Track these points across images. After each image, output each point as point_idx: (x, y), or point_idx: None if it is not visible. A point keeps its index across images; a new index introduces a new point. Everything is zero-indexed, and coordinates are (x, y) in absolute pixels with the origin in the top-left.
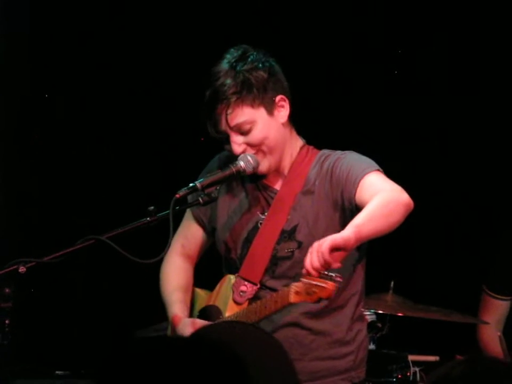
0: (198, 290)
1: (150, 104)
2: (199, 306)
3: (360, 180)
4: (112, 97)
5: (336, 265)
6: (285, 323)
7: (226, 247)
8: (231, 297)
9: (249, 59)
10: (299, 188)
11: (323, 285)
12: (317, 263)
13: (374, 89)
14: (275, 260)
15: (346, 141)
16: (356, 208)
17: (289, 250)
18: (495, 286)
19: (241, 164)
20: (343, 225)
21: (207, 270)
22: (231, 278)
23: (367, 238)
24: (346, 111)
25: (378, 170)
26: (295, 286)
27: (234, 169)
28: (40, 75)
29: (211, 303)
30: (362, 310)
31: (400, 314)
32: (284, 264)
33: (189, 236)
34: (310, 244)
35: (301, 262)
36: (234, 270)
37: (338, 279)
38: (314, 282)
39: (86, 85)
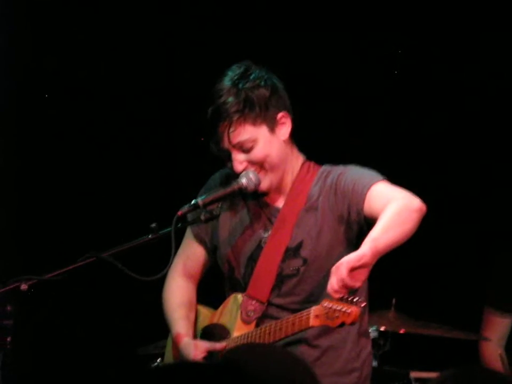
0: (200, 307)
1: (155, 120)
2: (201, 324)
3: (367, 191)
4: (113, 112)
5: (358, 285)
6: (291, 340)
7: (229, 266)
8: (239, 316)
9: (251, 77)
10: (302, 204)
11: (347, 310)
12: (336, 287)
13: (374, 89)
14: (281, 278)
15: (346, 140)
16: (365, 220)
17: (294, 268)
18: (496, 303)
19: (243, 181)
20: (348, 239)
21: (210, 288)
22: (238, 297)
23: (385, 250)
24: (346, 111)
25: (384, 180)
26: (314, 310)
27: (236, 187)
28: (41, 79)
29: (215, 321)
30: (368, 326)
31: (402, 331)
32: (290, 282)
33: (190, 255)
34: (316, 260)
35: (307, 278)
36: (238, 288)
37: (362, 304)
38: (337, 307)
39: (90, 97)
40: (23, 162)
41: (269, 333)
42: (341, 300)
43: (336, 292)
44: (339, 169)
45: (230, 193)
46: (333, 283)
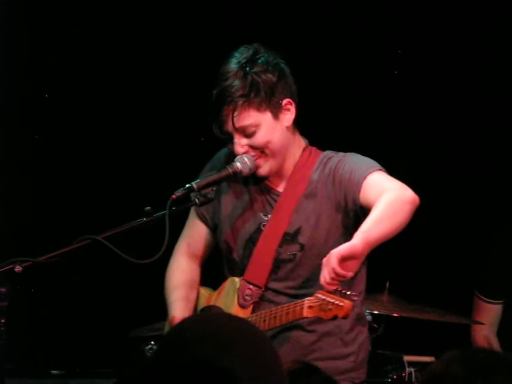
0: (201, 289)
1: (146, 103)
2: (200, 305)
3: (363, 180)
4: (107, 95)
5: (350, 275)
6: (288, 326)
7: (227, 247)
8: (235, 300)
9: (259, 61)
10: (302, 190)
11: (340, 303)
12: (328, 279)
13: (374, 89)
14: (278, 263)
15: (346, 140)
16: (361, 209)
17: (291, 253)
18: (486, 290)
19: (238, 165)
20: (345, 227)
21: (212, 270)
22: (236, 281)
23: (377, 241)
24: (346, 111)
25: (380, 169)
26: (308, 301)
27: (230, 170)
28: (39, 75)
29: (212, 303)
30: (364, 311)
31: (395, 314)
32: (286, 266)
33: (193, 234)
34: (313, 247)
35: (303, 264)
36: (236, 270)
37: (355, 298)
38: (330, 300)
39: (81, 83)
40: (17, 148)
41: (264, 320)
42: (334, 292)
43: (328, 283)
44: (338, 156)
45: (224, 177)
46: (325, 274)
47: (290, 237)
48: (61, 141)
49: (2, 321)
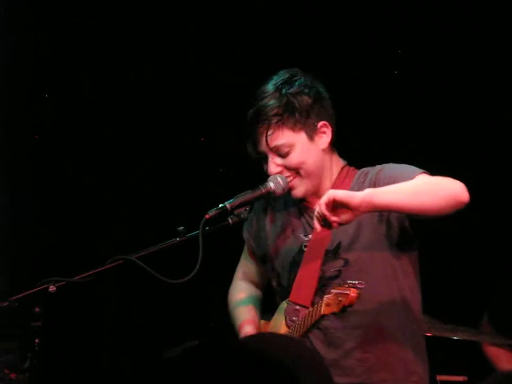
0: (261, 321)
1: (180, 124)
2: None
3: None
4: (110, 104)
5: (333, 219)
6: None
7: (274, 273)
8: (283, 322)
9: (296, 83)
10: None
11: (346, 292)
12: (315, 213)
13: (374, 89)
14: (324, 281)
15: (346, 141)
16: (407, 217)
17: (336, 269)
18: (495, 321)
19: (271, 184)
20: (389, 239)
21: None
22: (283, 304)
23: (382, 206)
24: (346, 110)
25: (424, 172)
26: (326, 298)
27: (264, 190)
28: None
29: (264, 330)
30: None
31: (428, 334)
32: (335, 282)
33: (248, 264)
34: (356, 260)
35: (350, 279)
36: (285, 295)
37: (361, 285)
38: (341, 291)
39: (87, 87)
40: (50, 162)
41: (297, 330)
42: (345, 284)
43: (316, 217)
44: (376, 168)
45: (257, 196)
46: (315, 210)
47: (332, 254)
48: (95, 160)
49: (37, 341)
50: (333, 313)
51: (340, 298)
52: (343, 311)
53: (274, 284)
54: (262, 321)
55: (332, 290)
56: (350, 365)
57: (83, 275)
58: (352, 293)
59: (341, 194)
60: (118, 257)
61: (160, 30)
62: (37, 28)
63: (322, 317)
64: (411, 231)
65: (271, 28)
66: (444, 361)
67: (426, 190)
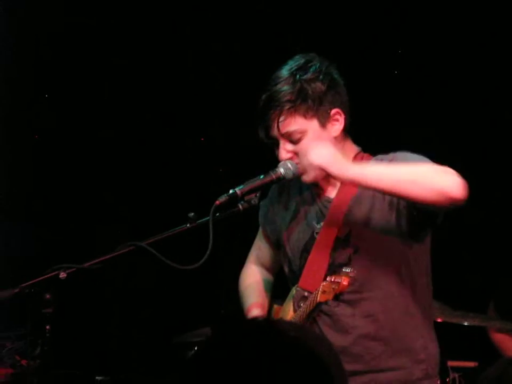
0: (274, 305)
1: (193, 111)
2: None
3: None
4: (110, 104)
5: (301, 150)
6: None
7: (286, 259)
8: (292, 308)
9: (311, 69)
10: (353, 194)
11: (339, 280)
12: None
13: (374, 89)
14: (334, 268)
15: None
16: (414, 204)
17: (346, 256)
18: (501, 307)
19: (281, 170)
20: (399, 225)
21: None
22: (293, 289)
23: (354, 178)
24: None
25: (433, 163)
26: (322, 286)
27: (274, 176)
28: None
29: (277, 317)
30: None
31: (439, 320)
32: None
33: (262, 247)
34: (367, 247)
35: (359, 267)
36: (296, 280)
37: (352, 274)
38: (335, 279)
39: (87, 87)
40: (60, 153)
41: (300, 316)
42: (339, 272)
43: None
44: (390, 156)
45: (268, 182)
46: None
47: (342, 241)
48: (105, 147)
49: (48, 327)
50: (328, 300)
51: (333, 286)
52: (336, 298)
53: (286, 269)
54: (275, 306)
55: (328, 278)
56: (359, 352)
57: (93, 261)
58: (344, 281)
59: (321, 161)
60: (128, 243)
61: (160, 29)
62: (37, 28)
63: (319, 304)
64: (420, 220)
65: (271, 28)
66: (455, 347)
67: (412, 179)
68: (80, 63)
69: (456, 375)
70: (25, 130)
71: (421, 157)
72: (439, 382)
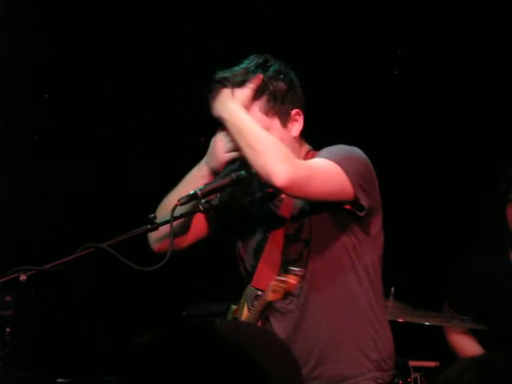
0: (232, 306)
1: (150, 110)
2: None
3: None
4: (110, 103)
5: None
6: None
7: (241, 259)
8: (246, 308)
9: (271, 68)
10: None
11: (287, 279)
12: None
13: (374, 89)
14: (287, 265)
15: (346, 141)
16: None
17: (298, 251)
18: (454, 305)
19: (242, 172)
20: (340, 217)
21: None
22: (247, 289)
23: (227, 120)
24: (345, 111)
25: (339, 165)
26: (272, 285)
27: (234, 176)
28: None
29: (234, 316)
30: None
31: (400, 320)
32: (298, 266)
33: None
34: (317, 241)
35: (310, 261)
36: (250, 281)
37: (300, 272)
38: (284, 278)
39: (87, 87)
40: (20, 150)
41: (253, 315)
42: (288, 271)
43: None
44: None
45: (228, 183)
46: None
47: (293, 237)
48: (62, 146)
49: (8, 330)
50: (277, 300)
51: (282, 285)
52: (285, 297)
53: (241, 269)
54: (233, 306)
55: (277, 277)
56: (309, 346)
57: (54, 263)
58: (293, 280)
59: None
60: (89, 245)
61: (159, 29)
62: (37, 28)
63: (270, 303)
64: (355, 211)
65: (271, 28)
66: (416, 347)
67: (255, 147)
68: (79, 62)
69: (418, 375)
70: None
71: (346, 153)
72: (398, 378)
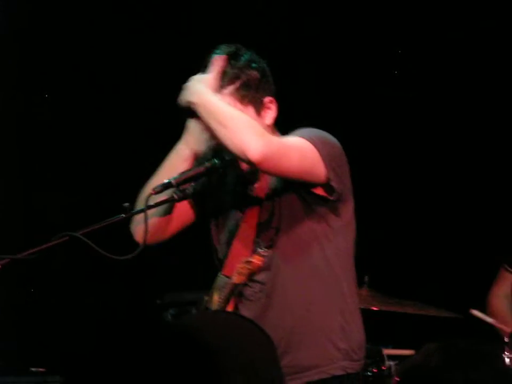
0: (205, 297)
1: (127, 101)
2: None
3: None
4: (88, 93)
5: None
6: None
7: (214, 248)
8: (217, 296)
9: (243, 57)
10: (271, 178)
11: (252, 260)
12: None
13: (373, 89)
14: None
15: (346, 141)
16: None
17: (269, 239)
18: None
19: (215, 160)
20: (308, 202)
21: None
22: (217, 278)
23: (197, 104)
24: (345, 111)
25: (309, 140)
26: (238, 267)
27: (208, 165)
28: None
29: (207, 306)
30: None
31: (374, 308)
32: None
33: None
34: (288, 228)
35: (281, 246)
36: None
37: (265, 253)
38: (249, 259)
39: (105, 108)
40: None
41: (222, 302)
42: (255, 252)
43: None
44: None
45: (203, 172)
46: None
47: (264, 225)
48: (37, 134)
49: None
50: (243, 281)
51: (247, 266)
52: (251, 278)
53: (215, 259)
54: (206, 298)
55: (244, 260)
56: (277, 333)
57: (28, 252)
58: (257, 260)
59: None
60: (63, 233)
61: (159, 28)
62: (36, 27)
63: (236, 285)
64: (327, 195)
65: (271, 28)
66: (390, 335)
67: (227, 124)
68: (79, 62)
69: (392, 363)
70: None
71: (316, 134)
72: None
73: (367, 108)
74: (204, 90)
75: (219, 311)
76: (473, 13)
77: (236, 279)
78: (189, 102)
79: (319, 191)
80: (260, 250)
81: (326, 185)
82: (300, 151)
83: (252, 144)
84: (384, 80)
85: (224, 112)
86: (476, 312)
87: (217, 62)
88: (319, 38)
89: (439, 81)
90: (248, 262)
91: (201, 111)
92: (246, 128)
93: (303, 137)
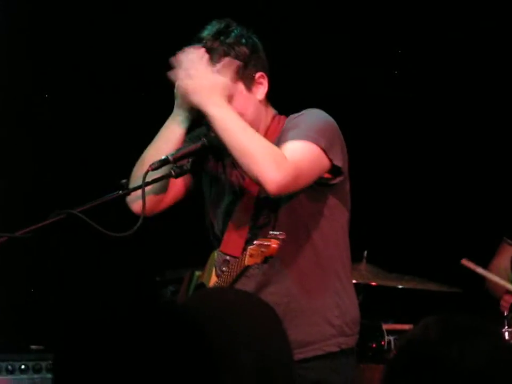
0: (196, 272)
1: (127, 101)
2: (193, 284)
3: (285, 144)
4: (88, 93)
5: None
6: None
7: (210, 223)
8: (213, 273)
9: (233, 33)
10: None
11: (268, 243)
12: None
13: (373, 89)
14: (255, 230)
15: (345, 141)
16: None
17: (266, 217)
18: None
19: (212, 135)
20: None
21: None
22: (214, 253)
23: (210, 115)
24: (345, 111)
25: (316, 143)
26: (250, 249)
27: (205, 141)
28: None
29: (200, 281)
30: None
31: (374, 283)
32: (266, 231)
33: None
34: (286, 206)
35: (281, 225)
36: (218, 245)
37: (281, 236)
38: (264, 243)
39: (104, 108)
40: None
41: (225, 280)
42: (268, 235)
43: None
44: (300, 113)
45: (199, 148)
46: None
47: (262, 202)
48: (35, 114)
49: None
50: (256, 264)
51: (262, 249)
52: (265, 261)
53: (210, 234)
54: (197, 273)
55: (255, 242)
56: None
57: (25, 230)
58: (274, 243)
59: (189, 85)
60: (60, 211)
61: (159, 28)
62: (34, 26)
63: (247, 267)
64: (333, 178)
65: (271, 28)
66: (390, 310)
67: (244, 149)
68: (79, 62)
69: (391, 338)
70: None
71: (319, 124)
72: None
73: (367, 107)
74: (220, 102)
75: (227, 288)
76: (473, 13)
77: (248, 260)
78: (202, 109)
79: (326, 175)
80: (275, 233)
81: (331, 170)
82: (309, 162)
83: (269, 177)
84: (384, 80)
85: (242, 137)
86: (467, 262)
87: (226, 62)
88: (319, 38)
89: (439, 81)
90: (265, 246)
91: (216, 124)
92: (263, 157)
93: (304, 138)
